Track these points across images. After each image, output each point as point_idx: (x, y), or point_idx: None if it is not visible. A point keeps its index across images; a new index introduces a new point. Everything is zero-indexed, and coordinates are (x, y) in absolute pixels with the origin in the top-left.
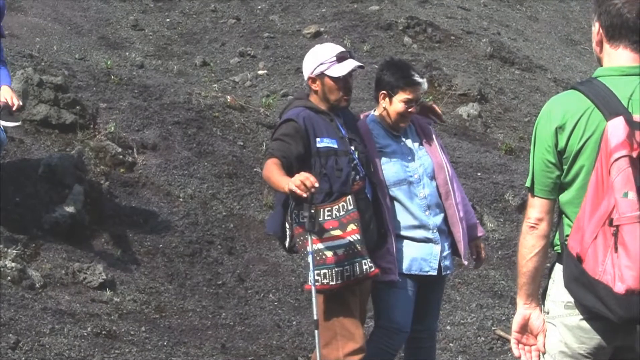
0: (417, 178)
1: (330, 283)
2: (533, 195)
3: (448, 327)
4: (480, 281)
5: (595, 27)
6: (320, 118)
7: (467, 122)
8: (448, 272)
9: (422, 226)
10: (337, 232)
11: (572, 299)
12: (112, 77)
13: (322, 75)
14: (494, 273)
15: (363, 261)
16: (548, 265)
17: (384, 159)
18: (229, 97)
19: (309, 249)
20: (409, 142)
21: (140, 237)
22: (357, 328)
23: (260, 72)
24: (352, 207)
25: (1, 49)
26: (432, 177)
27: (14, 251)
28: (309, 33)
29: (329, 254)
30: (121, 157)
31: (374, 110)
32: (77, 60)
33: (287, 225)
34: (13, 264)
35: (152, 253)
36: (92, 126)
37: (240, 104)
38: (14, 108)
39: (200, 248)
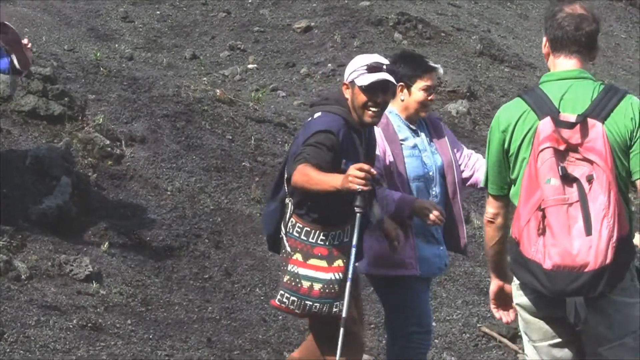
0: (432, 175)
1: (296, 311)
2: (488, 194)
3: (434, 324)
4: (466, 278)
5: (544, 40)
6: (352, 137)
7: (456, 119)
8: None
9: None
10: (323, 263)
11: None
12: (101, 69)
13: (353, 83)
14: (480, 270)
15: (335, 304)
16: None
17: (405, 152)
18: (218, 90)
19: (289, 268)
20: (423, 138)
21: (127, 230)
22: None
23: (249, 66)
24: (347, 239)
25: None
26: (443, 175)
27: (0, 242)
28: (299, 27)
29: (305, 284)
30: (109, 149)
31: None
32: (66, 51)
33: (283, 229)
34: None
35: (139, 246)
36: (80, 118)
37: (229, 97)
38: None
39: (187, 242)
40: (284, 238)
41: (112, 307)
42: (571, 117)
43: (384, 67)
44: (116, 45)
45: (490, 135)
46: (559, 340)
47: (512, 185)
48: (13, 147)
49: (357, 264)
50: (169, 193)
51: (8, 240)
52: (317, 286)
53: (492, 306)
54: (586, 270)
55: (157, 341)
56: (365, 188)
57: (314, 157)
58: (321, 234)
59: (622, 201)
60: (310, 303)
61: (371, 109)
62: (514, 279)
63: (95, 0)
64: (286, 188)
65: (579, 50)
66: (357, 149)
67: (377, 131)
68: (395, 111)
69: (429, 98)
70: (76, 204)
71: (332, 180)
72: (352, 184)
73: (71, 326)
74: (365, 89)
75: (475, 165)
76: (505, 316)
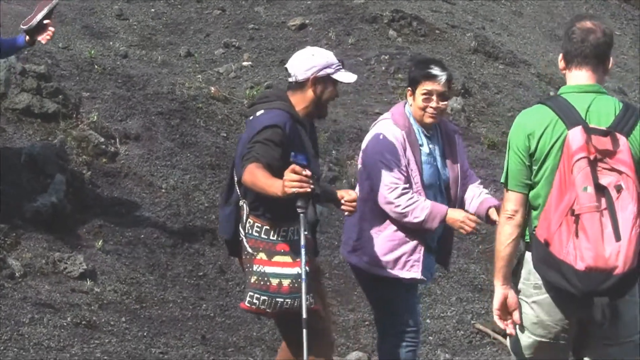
0: (439, 186)
1: (267, 310)
2: (508, 190)
3: (428, 321)
4: (460, 275)
5: (561, 55)
6: (298, 130)
7: (451, 116)
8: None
9: (430, 236)
10: (287, 259)
11: (539, 281)
12: (96, 66)
13: (327, 77)
14: (474, 267)
15: (306, 297)
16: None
17: (423, 158)
18: (212, 88)
19: (255, 268)
20: (437, 147)
21: (122, 227)
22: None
23: (244, 63)
24: (307, 232)
25: None
26: (447, 188)
27: None
28: (294, 25)
29: (274, 282)
30: (103, 147)
31: (405, 105)
32: (61, 49)
33: (242, 231)
34: None
35: (133, 243)
36: (74, 116)
37: (224, 95)
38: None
39: (181, 239)
40: (244, 240)
41: (107, 305)
42: (601, 128)
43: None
44: (110, 43)
45: (513, 136)
46: (558, 342)
47: (533, 187)
48: (7, 145)
49: (346, 256)
50: (163, 191)
51: (2, 237)
52: (285, 282)
53: (496, 317)
54: (615, 273)
55: (151, 339)
56: (302, 190)
57: (264, 156)
58: (281, 231)
59: None
60: (282, 300)
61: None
62: (529, 278)
63: None
64: (238, 190)
65: (587, 62)
66: (304, 140)
67: (402, 134)
68: (412, 114)
69: (431, 105)
70: (70, 201)
71: (273, 188)
72: (288, 189)
73: (65, 324)
74: (337, 87)
75: (478, 197)
76: (509, 328)
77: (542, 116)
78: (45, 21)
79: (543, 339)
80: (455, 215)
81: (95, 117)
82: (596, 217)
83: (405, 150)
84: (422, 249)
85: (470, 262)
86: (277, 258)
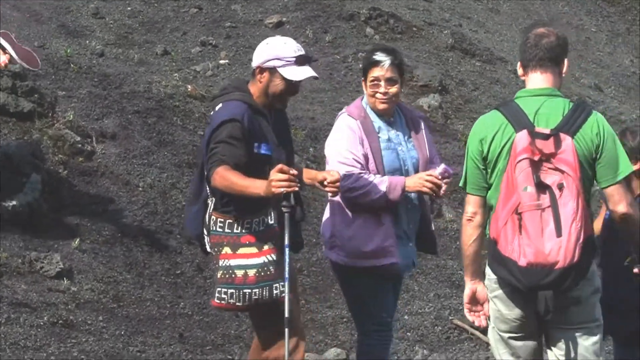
0: (407, 170)
1: (237, 304)
2: (467, 193)
3: (406, 317)
4: (438, 271)
5: (519, 62)
6: (257, 120)
7: (428, 113)
8: (405, 270)
9: (401, 220)
10: (252, 250)
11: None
12: (72, 65)
13: (274, 70)
14: (452, 263)
15: (274, 285)
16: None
17: (381, 145)
18: (189, 86)
19: (221, 264)
20: (400, 133)
21: (99, 226)
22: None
23: (221, 61)
24: (272, 221)
25: None
26: (417, 171)
27: None
28: (271, 23)
29: (239, 273)
30: (80, 146)
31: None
32: (36, 48)
33: (205, 231)
34: None
35: (110, 242)
36: (50, 115)
37: (201, 93)
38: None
39: (159, 237)
40: (206, 238)
41: (84, 304)
42: (545, 131)
43: (309, 60)
44: (87, 42)
45: (470, 142)
46: (522, 334)
47: (489, 189)
48: None
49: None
50: (140, 189)
51: None
52: (251, 272)
53: (466, 310)
54: (556, 267)
55: (129, 337)
56: (290, 190)
57: (229, 157)
58: (245, 223)
59: (587, 207)
60: (249, 290)
61: (287, 97)
62: (490, 274)
63: None
64: (208, 189)
65: (541, 65)
66: (264, 130)
67: (356, 123)
68: (369, 104)
69: (380, 91)
70: (47, 201)
71: (255, 188)
72: (276, 190)
73: (42, 323)
74: (294, 83)
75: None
76: (478, 320)
77: (493, 121)
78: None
79: (509, 334)
80: (413, 179)
81: (72, 116)
82: (537, 215)
83: (362, 139)
84: (394, 233)
85: (447, 258)
86: (242, 250)
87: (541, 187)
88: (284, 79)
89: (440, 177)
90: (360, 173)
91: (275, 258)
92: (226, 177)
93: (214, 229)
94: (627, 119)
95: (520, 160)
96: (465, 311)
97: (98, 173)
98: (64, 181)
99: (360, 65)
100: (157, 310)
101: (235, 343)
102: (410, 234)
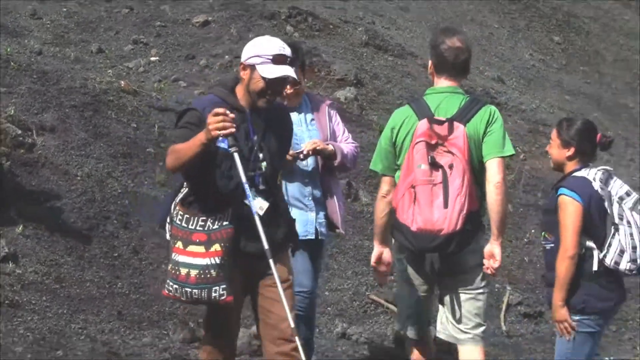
0: (302, 147)
1: (182, 298)
2: (382, 175)
3: (327, 293)
4: (355, 251)
5: (429, 63)
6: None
7: (345, 104)
8: (324, 237)
9: (300, 194)
10: (200, 249)
11: None
12: (12, 63)
13: (253, 67)
14: (368, 243)
15: (214, 288)
16: None
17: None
18: (122, 82)
19: (172, 256)
20: (302, 116)
21: (40, 213)
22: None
23: (152, 58)
24: (227, 222)
25: None
26: None
27: None
28: (197, 22)
29: (183, 271)
30: (21, 138)
31: None
32: None
33: (169, 219)
34: None
35: (51, 228)
36: None
37: (133, 88)
38: None
39: (97, 223)
40: (168, 226)
41: (28, 285)
42: (442, 119)
43: (289, 60)
44: (25, 41)
45: (384, 131)
46: (423, 287)
47: (398, 170)
48: None
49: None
50: (79, 178)
51: None
52: (193, 272)
53: (372, 269)
54: (442, 234)
55: (70, 315)
56: (227, 132)
57: (179, 137)
58: (200, 220)
59: (474, 184)
60: (190, 290)
61: (267, 97)
62: (394, 240)
63: None
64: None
65: (456, 74)
66: (238, 127)
67: None
68: None
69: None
70: None
71: (195, 142)
72: (214, 132)
73: None
74: (270, 81)
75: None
76: (381, 279)
77: (403, 113)
78: None
79: (414, 290)
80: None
81: (13, 110)
82: (428, 189)
83: None
84: (292, 208)
85: (364, 238)
86: (190, 247)
87: (435, 166)
88: (261, 77)
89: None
90: None
91: (218, 262)
92: (172, 151)
93: (175, 220)
94: (527, 108)
95: (418, 142)
96: (373, 269)
97: (39, 164)
98: (7, 172)
99: None
100: (96, 290)
101: (170, 319)
102: (309, 205)
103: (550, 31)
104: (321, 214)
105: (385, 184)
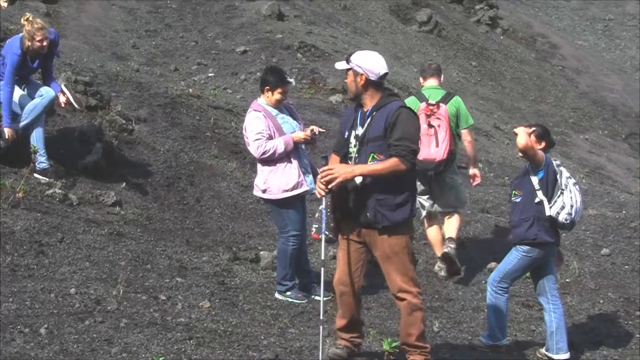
0: (294, 131)
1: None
2: None
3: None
4: None
5: (420, 76)
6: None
7: (335, 105)
8: (313, 191)
9: (301, 160)
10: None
11: None
12: (119, 77)
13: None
14: None
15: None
16: None
17: (280, 121)
18: (190, 89)
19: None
20: (284, 114)
21: (137, 174)
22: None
23: (209, 74)
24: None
25: (52, 68)
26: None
27: (59, 182)
28: (239, 51)
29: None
30: (125, 126)
31: (259, 99)
32: (99, 67)
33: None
34: (59, 190)
35: (143, 184)
36: (107, 107)
37: (197, 94)
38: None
39: (173, 181)
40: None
41: (128, 222)
42: (433, 102)
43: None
44: (128, 63)
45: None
46: (426, 196)
47: None
48: (67, 126)
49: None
50: (161, 152)
51: (64, 181)
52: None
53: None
54: (436, 161)
55: (155, 242)
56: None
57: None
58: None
59: (453, 136)
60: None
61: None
62: None
63: (116, 36)
64: None
65: (434, 76)
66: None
67: (262, 114)
68: (265, 102)
69: (284, 98)
70: (105, 159)
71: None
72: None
73: (103, 233)
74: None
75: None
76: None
77: (412, 100)
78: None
79: (420, 196)
80: (298, 135)
81: (120, 107)
82: (427, 138)
83: (268, 122)
84: (301, 172)
85: None
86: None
87: (431, 126)
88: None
89: (310, 133)
90: (267, 140)
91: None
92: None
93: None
94: None
95: (420, 114)
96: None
97: (136, 143)
98: (116, 147)
99: (271, 78)
100: (172, 225)
101: (220, 245)
102: (307, 168)
103: (469, 58)
104: (310, 176)
105: None
